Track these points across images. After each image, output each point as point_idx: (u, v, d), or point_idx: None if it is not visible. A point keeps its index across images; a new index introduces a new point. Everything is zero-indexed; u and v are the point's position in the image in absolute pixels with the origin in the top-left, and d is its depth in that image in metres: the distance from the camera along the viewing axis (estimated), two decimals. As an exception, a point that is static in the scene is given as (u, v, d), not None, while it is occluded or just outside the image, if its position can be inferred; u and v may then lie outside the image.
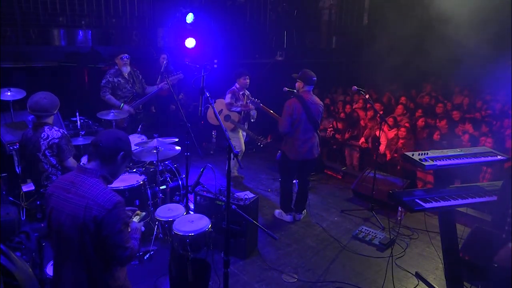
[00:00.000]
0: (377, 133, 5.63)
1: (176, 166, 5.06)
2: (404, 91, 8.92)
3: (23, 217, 4.57)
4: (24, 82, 6.03)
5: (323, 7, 10.86)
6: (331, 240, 4.67)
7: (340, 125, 7.44)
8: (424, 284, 3.87)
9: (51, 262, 2.89)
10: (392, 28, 8.03)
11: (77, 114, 5.18)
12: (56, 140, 3.66)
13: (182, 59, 6.91)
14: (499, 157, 3.28)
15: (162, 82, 5.82)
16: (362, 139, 6.88)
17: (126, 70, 5.59)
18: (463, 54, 6.67)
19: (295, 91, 4.86)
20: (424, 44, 8.96)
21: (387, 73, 8.17)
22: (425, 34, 8.99)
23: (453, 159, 3.17)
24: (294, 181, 5.20)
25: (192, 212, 4.28)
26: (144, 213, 2.55)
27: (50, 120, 3.74)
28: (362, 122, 7.34)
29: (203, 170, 3.61)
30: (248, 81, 5.88)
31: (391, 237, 4.58)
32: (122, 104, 5.46)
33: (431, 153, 3.21)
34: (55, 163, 3.75)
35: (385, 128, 6.39)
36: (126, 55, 5.54)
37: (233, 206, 3.73)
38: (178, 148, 4.47)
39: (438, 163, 3.07)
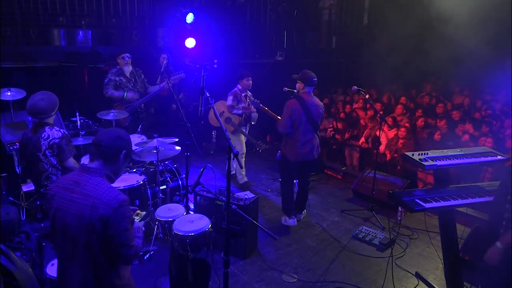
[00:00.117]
0: (377, 133, 5.63)
1: (176, 166, 5.06)
2: (404, 91, 8.92)
3: (23, 217, 4.57)
4: (24, 82, 6.03)
5: (323, 7, 10.86)
6: (331, 240, 4.67)
7: (340, 125, 7.44)
8: (424, 284, 3.87)
9: (51, 262, 2.89)
10: (392, 28, 8.03)
11: (77, 114, 5.18)
12: (57, 140, 3.66)
13: (182, 59, 6.91)
14: (499, 157, 3.28)
15: (162, 82, 5.82)
16: (362, 139, 6.88)
17: (128, 69, 5.59)
18: (463, 54, 6.67)
19: (295, 91, 4.84)
20: (424, 44, 8.96)
21: (387, 73, 8.17)
22: (425, 34, 8.99)
23: (453, 159, 3.17)
24: (294, 181, 5.20)
25: (192, 212, 4.28)
26: (144, 213, 2.55)
27: (50, 120, 3.74)
28: (362, 122, 7.35)
29: (203, 170, 3.61)
30: (250, 82, 5.84)
31: (391, 237, 4.58)
32: (125, 93, 5.47)
33: (431, 153, 3.21)
34: (55, 163, 3.75)
35: (385, 128, 6.39)
36: (127, 54, 5.55)
37: (233, 206, 3.73)
38: (178, 148, 4.47)
39: (438, 163, 3.07)
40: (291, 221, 4.81)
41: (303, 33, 10.37)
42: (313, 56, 10.21)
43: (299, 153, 4.67)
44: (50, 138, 3.64)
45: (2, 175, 4.64)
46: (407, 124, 6.53)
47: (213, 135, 7.76)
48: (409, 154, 3.18)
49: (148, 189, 4.45)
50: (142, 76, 5.82)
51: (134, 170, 4.64)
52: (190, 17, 7.30)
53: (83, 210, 1.98)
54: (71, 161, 3.83)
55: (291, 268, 4.10)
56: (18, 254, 2.90)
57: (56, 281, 2.64)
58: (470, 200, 2.97)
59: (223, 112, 5.97)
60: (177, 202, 4.70)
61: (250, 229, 4.17)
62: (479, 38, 6.42)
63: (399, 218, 5.06)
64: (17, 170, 4.80)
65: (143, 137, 4.98)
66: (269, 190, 6.07)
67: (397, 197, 2.98)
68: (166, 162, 5.00)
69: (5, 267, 2.48)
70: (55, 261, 2.89)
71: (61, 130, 3.75)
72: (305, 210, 5.23)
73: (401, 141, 6.32)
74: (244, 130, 6.00)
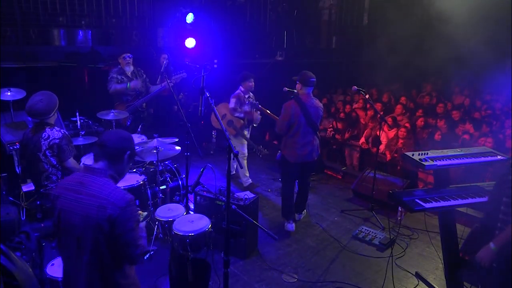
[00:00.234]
0: (378, 133, 5.63)
1: (176, 166, 5.06)
2: (405, 91, 8.93)
3: (23, 217, 4.57)
4: (24, 82, 6.03)
5: (323, 7, 10.86)
6: (331, 240, 4.67)
7: (340, 125, 7.44)
8: (424, 284, 3.87)
9: (51, 262, 2.89)
10: (392, 28, 8.03)
11: (77, 114, 5.18)
12: (57, 141, 3.66)
13: (182, 59, 6.91)
14: (499, 157, 3.28)
15: (162, 82, 5.82)
16: (362, 139, 6.87)
17: (129, 69, 5.60)
18: (463, 53, 6.68)
19: (295, 91, 4.84)
20: (424, 44, 8.97)
21: (387, 73, 8.17)
22: (425, 34, 9.00)
23: (453, 159, 3.17)
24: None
25: (192, 212, 4.28)
26: (146, 213, 2.56)
27: (51, 120, 3.74)
28: (362, 121, 7.35)
29: (203, 170, 3.61)
30: (253, 83, 5.77)
31: (391, 237, 4.58)
32: (128, 84, 5.48)
33: (431, 153, 3.21)
34: (55, 163, 3.75)
35: (385, 128, 6.39)
36: (129, 54, 5.55)
37: (233, 206, 3.73)
38: (178, 148, 4.47)
39: (438, 163, 3.07)
40: (290, 226, 4.77)
41: (303, 33, 10.37)
42: (313, 56, 10.22)
43: (299, 155, 4.66)
44: (51, 138, 3.64)
45: (2, 175, 4.63)
46: (407, 124, 6.53)
47: (213, 135, 7.76)
48: (409, 154, 3.18)
49: (148, 189, 4.45)
50: (144, 76, 5.82)
51: (134, 170, 4.64)
52: (190, 17, 7.31)
53: (90, 210, 1.98)
54: (71, 162, 3.83)
55: (291, 268, 4.09)
56: (18, 254, 2.90)
57: (62, 281, 2.66)
58: (470, 200, 2.97)
59: (225, 114, 5.92)
60: (177, 202, 4.70)
61: (250, 229, 4.17)
62: (479, 37, 6.42)
63: (399, 218, 5.06)
64: (17, 170, 4.80)
65: (143, 137, 4.98)
66: (269, 190, 6.07)
67: (397, 197, 2.98)
68: (166, 162, 5.00)
69: (5, 267, 2.48)
70: (55, 261, 2.90)
71: (62, 130, 3.75)
72: (305, 210, 5.22)
73: (401, 141, 6.32)
74: (246, 135, 5.93)
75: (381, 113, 5.79)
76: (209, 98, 3.01)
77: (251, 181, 6.00)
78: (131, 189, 4.22)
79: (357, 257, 4.34)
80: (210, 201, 4.17)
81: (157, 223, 4.08)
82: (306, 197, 5.11)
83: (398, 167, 6.20)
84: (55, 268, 2.83)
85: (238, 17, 9.29)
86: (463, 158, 3.22)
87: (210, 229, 3.37)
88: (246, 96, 5.77)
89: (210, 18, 7.96)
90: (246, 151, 6.00)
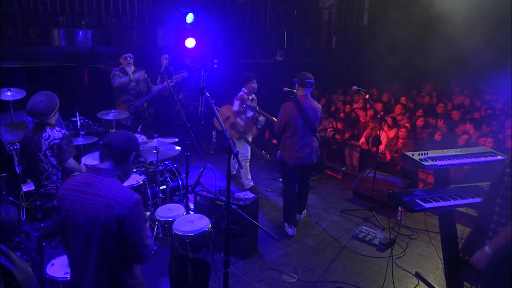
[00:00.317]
0: (378, 133, 5.63)
1: (176, 166, 5.06)
2: (405, 91, 8.93)
3: (23, 217, 4.57)
4: (24, 82, 6.04)
5: (323, 7, 10.87)
6: (331, 240, 4.67)
7: (339, 125, 7.44)
8: (424, 284, 3.87)
9: (51, 262, 2.89)
10: (392, 28, 8.03)
11: (77, 114, 5.18)
12: (57, 141, 3.66)
13: (182, 59, 6.91)
14: (499, 157, 3.28)
15: (162, 82, 5.82)
16: (362, 139, 6.87)
17: (130, 69, 5.60)
18: (463, 53, 6.68)
19: (295, 91, 4.83)
20: (424, 44, 8.97)
21: (387, 73, 8.17)
22: (425, 34, 8.99)
23: (453, 159, 3.17)
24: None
25: (192, 212, 4.28)
26: (149, 213, 2.56)
27: (51, 120, 3.75)
28: (361, 121, 7.34)
29: (203, 170, 3.61)
30: (256, 85, 5.70)
31: (391, 237, 4.58)
32: (132, 75, 5.48)
33: (431, 153, 3.21)
34: (55, 163, 3.76)
35: (385, 128, 6.39)
36: (130, 54, 5.56)
37: (233, 206, 3.73)
38: (178, 148, 4.47)
39: (438, 163, 3.07)
40: (290, 230, 4.75)
41: (303, 33, 10.37)
42: (313, 56, 10.22)
43: (297, 157, 4.62)
44: (51, 139, 3.65)
45: (2, 175, 4.64)
46: (407, 124, 6.53)
47: (213, 135, 7.76)
48: (409, 154, 3.18)
49: (148, 189, 4.45)
50: (145, 75, 5.82)
51: (134, 170, 4.64)
52: (190, 17, 7.31)
53: (97, 211, 1.98)
54: (71, 162, 3.83)
55: (291, 268, 4.10)
56: (18, 254, 2.90)
57: (69, 282, 2.67)
58: (470, 200, 2.97)
59: (229, 117, 5.86)
60: (177, 202, 4.70)
61: (250, 229, 4.17)
62: (479, 37, 6.42)
63: (399, 218, 5.06)
64: (17, 170, 4.80)
65: (143, 137, 4.99)
66: (269, 190, 6.07)
67: (397, 197, 2.98)
68: (166, 162, 5.00)
69: (5, 267, 2.48)
70: (55, 261, 2.90)
71: (62, 130, 3.76)
72: (305, 210, 5.22)
73: (401, 141, 6.32)
74: (248, 139, 5.87)
75: (382, 113, 5.79)
76: (209, 98, 3.01)
77: (252, 184, 5.97)
78: (131, 189, 4.22)
79: (357, 257, 4.34)
80: (210, 201, 4.17)
81: (157, 223, 4.09)
82: (306, 198, 5.12)
83: (398, 167, 6.19)
84: (55, 268, 2.83)
85: (238, 17, 9.29)
86: (463, 158, 3.22)
87: (210, 229, 3.37)
88: (250, 98, 5.69)
89: (210, 18, 7.96)
90: (249, 154, 5.94)
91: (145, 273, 3.80)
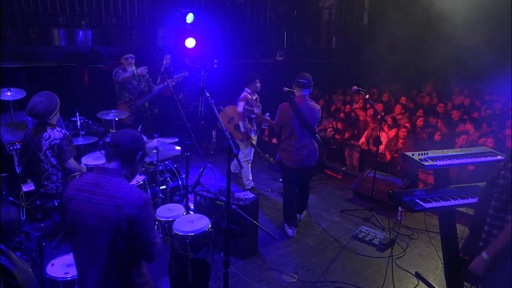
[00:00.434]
0: (379, 134, 5.63)
1: (176, 166, 5.06)
2: (405, 91, 8.93)
3: (23, 217, 4.57)
4: (24, 82, 6.05)
5: (323, 7, 10.87)
6: (331, 240, 4.67)
7: (339, 125, 7.44)
8: (424, 284, 3.87)
9: (51, 262, 2.89)
10: (392, 28, 8.04)
11: (77, 114, 5.18)
12: (58, 141, 3.67)
13: (182, 59, 6.92)
14: (499, 157, 3.27)
15: (162, 82, 5.82)
16: (363, 139, 6.87)
17: (131, 69, 5.60)
18: (463, 53, 6.68)
19: (295, 91, 4.83)
20: (424, 44, 8.97)
21: (387, 73, 8.17)
22: (425, 34, 9.00)
23: (453, 159, 3.17)
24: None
25: (192, 212, 4.28)
26: None
27: (52, 121, 3.75)
28: (361, 122, 7.35)
29: (203, 170, 3.61)
30: (259, 84, 5.63)
31: (391, 237, 4.58)
32: (135, 70, 5.49)
33: (431, 153, 3.21)
34: (55, 163, 3.76)
35: (385, 128, 6.39)
36: (131, 55, 5.55)
37: (233, 206, 3.73)
38: (178, 148, 4.47)
39: (438, 163, 3.07)
40: (290, 231, 4.73)
41: (303, 33, 10.37)
42: (313, 56, 10.22)
43: (295, 160, 4.58)
44: (51, 139, 3.65)
45: (2, 175, 4.64)
46: (407, 124, 6.53)
47: (213, 135, 7.76)
48: (409, 154, 3.18)
49: (148, 189, 4.45)
50: (147, 75, 5.81)
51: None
52: (190, 17, 7.31)
53: (107, 211, 1.97)
54: (72, 162, 3.83)
55: (291, 268, 4.10)
56: (18, 254, 2.90)
57: (69, 282, 2.69)
58: (470, 200, 2.97)
59: (233, 117, 5.77)
60: (177, 202, 4.70)
61: (250, 229, 4.17)
62: (479, 37, 6.42)
63: (399, 218, 5.06)
64: (17, 170, 4.80)
65: (143, 137, 4.98)
66: (269, 190, 6.07)
67: (397, 197, 2.98)
68: (166, 162, 5.00)
69: (5, 267, 2.48)
70: (55, 261, 2.90)
71: (63, 131, 3.76)
72: (305, 211, 5.22)
73: (401, 141, 6.32)
74: (253, 141, 5.78)
75: (382, 113, 5.79)
76: (209, 98, 3.01)
77: (253, 185, 5.94)
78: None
79: (357, 257, 4.34)
80: (210, 201, 4.17)
81: (157, 223, 4.08)
82: (306, 198, 5.10)
83: (398, 167, 6.19)
84: (55, 268, 2.83)
85: (238, 17, 9.30)
86: (463, 158, 3.22)
87: (210, 229, 3.37)
88: (254, 98, 5.61)
89: (210, 18, 7.96)
90: (251, 157, 5.88)
91: (145, 273, 3.81)
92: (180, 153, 4.46)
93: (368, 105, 7.56)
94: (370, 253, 4.40)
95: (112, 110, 4.99)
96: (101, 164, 4.38)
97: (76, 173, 4.03)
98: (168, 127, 6.62)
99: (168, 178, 4.79)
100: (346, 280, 3.91)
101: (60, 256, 2.99)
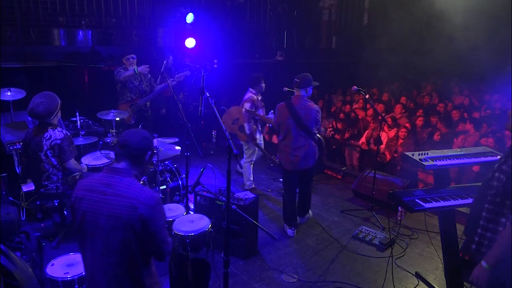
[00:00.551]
0: (379, 134, 5.63)
1: (176, 166, 5.06)
2: (405, 91, 8.94)
3: (23, 217, 4.57)
4: (24, 82, 6.04)
5: (323, 7, 10.88)
6: (331, 240, 4.67)
7: (339, 125, 7.44)
8: (424, 284, 3.87)
9: (51, 262, 2.89)
10: (392, 28, 8.04)
11: (77, 114, 5.19)
12: (58, 141, 3.67)
13: (182, 59, 6.92)
14: (499, 157, 3.27)
15: (162, 82, 5.82)
16: (363, 139, 6.87)
17: (133, 69, 5.61)
18: (463, 53, 6.68)
19: (294, 91, 4.82)
20: (424, 43, 8.98)
21: (387, 73, 8.18)
22: (425, 33, 9.01)
23: (453, 159, 3.17)
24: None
25: (192, 212, 4.28)
26: None
27: (53, 121, 3.76)
28: (361, 122, 7.35)
29: (203, 170, 3.61)
30: (264, 84, 5.58)
31: (391, 237, 4.58)
32: (136, 68, 5.48)
33: (431, 153, 3.21)
34: (56, 163, 3.76)
35: (386, 128, 6.39)
36: (133, 55, 5.56)
37: (233, 206, 3.75)
38: (178, 148, 4.47)
39: (438, 163, 3.07)
40: (290, 231, 4.71)
41: (303, 33, 10.37)
42: (313, 56, 10.23)
43: (292, 161, 4.54)
44: (52, 139, 3.66)
45: (2, 175, 4.64)
46: (407, 124, 6.53)
47: (213, 135, 7.76)
48: (409, 154, 3.18)
49: (148, 189, 4.44)
50: (149, 75, 5.81)
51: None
52: (190, 17, 7.31)
53: (120, 211, 1.96)
54: (72, 162, 3.84)
55: (291, 268, 4.09)
56: (18, 254, 2.90)
57: (69, 282, 2.70)
58: (470, 200, 2.96)
59: (238, 119, 5.69)
60: (177, 202, 4.70)
61: (250, 229, 4.17)
62: (479, 37, 6.42)
63: (399, 218, 5.06)
64: (17, 170, 4.81)
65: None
66: (269, 190, 6.07)
67: (397, 197, 2.98)
68: (166, 162, 5.00)
69: (5, 267, 2.48)
70: (55, 261, 2.90)
71: (64, 131, 3.77)
72: (310, 213, 5.09)
73: (401, 141, 6.32)
74: (258, 142, 5.72)
75: (383, 114, 5.79)
76: (209, 98, 3.01)
77: (254, 186, 5.91)
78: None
79: (357, 257, 4.34)
80: (210, 201, 4.17)
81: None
82: (307, 201, 4.98)
83: (398, 167, 6.19)
84: (55, 268, 2.83)
85: (238, 17, 9.30)
86: (463, 158, 3.22)
87: (210, 229, 3.37)
88: (259, 99, 5.56)
89: (210, 18, 7.96)
90: (254, 157, 5.82)
91: (145, 273, 3.81)
92: (180, 153, 4.47)
93: (368, 105, 7.56)
94: (370, 253, 4.40)
95: (112, 110, 4.99)
96: (106, 163, 4.39)
97: (77, 173, 4.04)
98: (168, 127, 6.62)
99: (168, 178, 4.79)
100: (346, 280, 3.91)
101: (60, 256, 2.98)
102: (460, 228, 3.39)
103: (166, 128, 6.50)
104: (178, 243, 3.27)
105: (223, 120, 5.73)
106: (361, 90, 5.12)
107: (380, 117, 5.30)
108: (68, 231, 4.23)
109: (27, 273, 2.61)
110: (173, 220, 3.51)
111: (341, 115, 7.63)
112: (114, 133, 5.00)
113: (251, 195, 4.28)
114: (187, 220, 3.45)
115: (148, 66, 5.65)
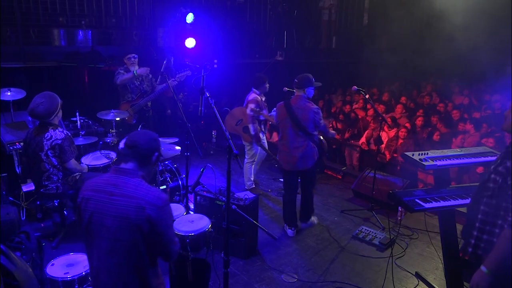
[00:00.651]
0: (379, 134, 5.63)
1: (176, 166, 5.06)
2: (405, 91, 8.94)
3: (23, 217, 4.57)
4: (24, 82, 6.04)
5: (323, 7, 10.88)
6: (331, 240, 4.67)
7: (339, 125, 7.44)
8: (424, 284, 3.87)
9: (51, 262, 2.89)
10: (392, 28, 8.05)
11: (77, 114, 5.19)
12: (59, 141, 3.67)
13: (182, 59, 6.92)
14: (498, 157, 3.27)
15: (162, 82, 5.82)
16: (363, 139, 6.87)
17: (133, 70, 5.60)
18: (463, 53, 6.69)
19: (294, 91, 4.82)
20: (424, 43, 8.99)
21: (387, 73, 8.18)
22: (425, 33, 9.02)
23: (453, 159, 3.17)
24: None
25: (192, 212, 4.28)
26: None
27: (54, 121, 3.76)
28: (361, 122, 7.35)
29: (203, 170, 3.61)
30: (268, 85, 5.54)
31: (391, 237, 4.58)
32: (135, 71, 5.47)
33: (431, 153, 3.21)
34: (56, 164, 3.76)
35: (386, 127, 6.39)
36: (134, 55, 5.55)
37: (233, 206, 3.74)
38: (178, 148, 4.47)
39: (438, 163, 3.07)
40: (289, 232, 4.69)
41: (303, 33, 10.38)
42: (313, 56, 10.24)
43: (289, 162, 4.53)
44: (53, 139, 3.66)
45: (2, 175, 4.65)
46: (407, 124, 6.53)
47: (213, 135, 7.76)
48: (409, 154, 3.18)
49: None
50: (150, 76, 5.80)
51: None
52: (190, 17, 7.31)
53: (127, 211, 1.96)
54: (73, 163, 3.84)
55: (291, 268, 4.09)
56: (18, 254, 2.90)
57: (69, 282, 2.71)
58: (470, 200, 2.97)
59: (241, 120, 5.63)
60: (177, 202, 4.70)
61: (250, 229, 4.17)
62: (479, 37, 6.42)
63: (399, 218, 5.06)
64: (17, 170, 4.81)
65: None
66: (270, 190, 6.07)
67: (397, 197, 2.98)
68: (166, 162, 4.99)
69: (5, 267, 2.48)
70: (55, 261, 2.90)
71: (64, 131, 3.77)
72: (313, 220, 4.95)
73: (401, 141, 6.32)
74: (263, 143, 5.66)
75: (384, 115, 5.78)
76: (209, 98, 3.01)
77: (254, 186, 5.90)
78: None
79: (357, 257, 4.34)
80: (210, 201, 4.17)
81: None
82: (309, 206, 4.86)
83: (398, 167, 6.19)
84: (55, 268, 2.83)
85: (238, 17, 9.31)
86: (463, 158, 3.22)
87: (210, 229, 3.37)
88: (263, 99, 5.52)
89: (210, 18, 7.96)
90: (255, 158, 5.78)
91: (145, 273, 3.81)
92: (180, 153, 4.46)
93: (368, 105, 7.56)
94: (370, 253, 4.40)
95: (112, 110, 4.99)
96: (106, 163, 4.39)
97: (77, 174, 4.04)
98: (168, 127, 6.62)
99: (168, 178, 4.79)
100: (346, 280, 3.90)
101: (60, 256, 2.99)
102: (460, 228, 3.39)
103: (166, 128, 6.49)
104: (178, 243, 3.27)
105: (226, 121, 5.72)
106: (361, 90, 5.11)
107: (380, 117, 5.30)
108: (68, 231, 4.23)
109: (27, 273, 2.61)
110: (173, 220, 3.51)
111: (341, 115, 7.62)
112: (114, 133, 5.00)
113: (251, 195, 4.28)
114: (187, 220, 3.45)
115: (148, 68, 5.65)
